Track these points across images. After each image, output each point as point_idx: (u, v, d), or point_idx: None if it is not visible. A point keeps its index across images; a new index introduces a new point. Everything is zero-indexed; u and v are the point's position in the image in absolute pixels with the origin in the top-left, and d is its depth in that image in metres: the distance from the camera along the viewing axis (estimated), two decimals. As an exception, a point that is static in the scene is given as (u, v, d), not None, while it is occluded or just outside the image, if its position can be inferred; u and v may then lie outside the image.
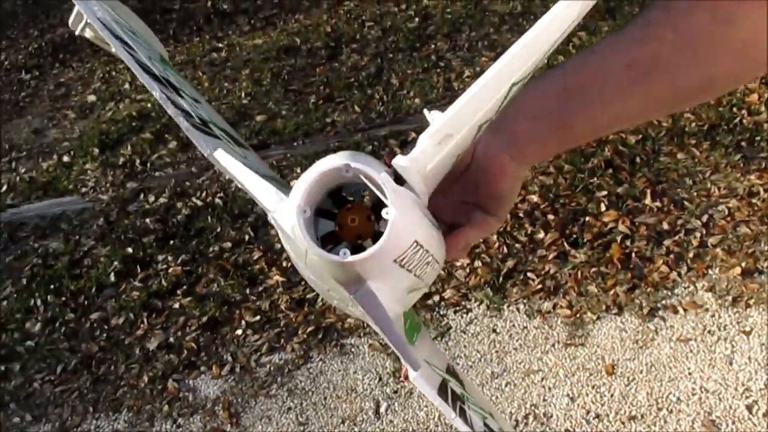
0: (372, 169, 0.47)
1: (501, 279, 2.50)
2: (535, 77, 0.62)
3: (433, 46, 4.01)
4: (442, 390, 0.53)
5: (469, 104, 0.50)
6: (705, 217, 2.58)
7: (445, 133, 0.51)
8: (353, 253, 0.47)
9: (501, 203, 0.60)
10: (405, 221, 0.47)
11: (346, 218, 0.49)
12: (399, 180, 0.49)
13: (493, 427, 0.57)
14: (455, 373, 0.62)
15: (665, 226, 2.57)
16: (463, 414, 0.53)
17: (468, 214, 0.60)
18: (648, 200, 2.67)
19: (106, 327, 2.65)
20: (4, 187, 3.56)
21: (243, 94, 3.90)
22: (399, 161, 0.50)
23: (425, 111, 0.51)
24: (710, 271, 2.41)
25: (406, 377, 0.55)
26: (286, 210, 0.47)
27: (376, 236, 0.48)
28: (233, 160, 0.49)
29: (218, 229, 2.96)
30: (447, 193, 0.56)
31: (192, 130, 0.50)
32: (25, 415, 2.39)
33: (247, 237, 2.89)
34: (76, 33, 0.59)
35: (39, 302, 2.79)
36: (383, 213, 0.47)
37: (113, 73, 4.41)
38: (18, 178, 3.61)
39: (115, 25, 0.57)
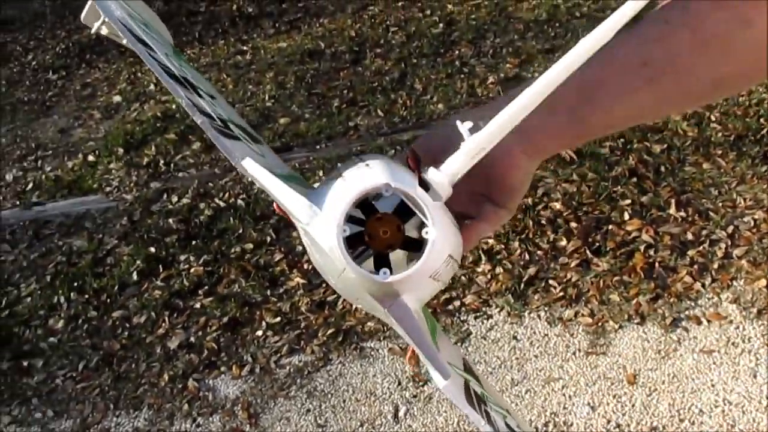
0: (411, 188, 0.47)
1: (522, 286, 2.49)
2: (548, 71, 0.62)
3: (457, 52, 4.01)
4: (467, 393, 0.53)
5: (511, 118, 0.50)
6: (730, 228, 2.55)
7: (482, 148, 0.51)
8: (378, 259, 0.48)
9: (512, 196, 0.60)
10: (442, 239, 0.48)
11: (378, 230, 0.49)
12: (422, 182, 0.50)
13: (513, 426, 0.57)
14: (471, 369, 0.62)
15: (690, 236, 2.55)
16: (488, 417, 0.53)
17: (478, 206, 0.60)
18: (672, 210, 2.65)
19: (127, 325, 2.67)
20: (30, 185, 3.60)
21: (267, 97, 3.92)
22: (434, 177, 0.50)
23: (458, 123, 0.50)
24: (735, 283, 2.39)
25: (411, 358, 0.54)
26: (324, 227, 0.48)
27: (405, 243, 0.49)
28: (263, 170, 0.48)
29: (240, 231, 2.97)
30: (457, 184, 0.55)
31: (220, 138, 0.49)
32: (47, 410, 2.42)
33: (268, 239, 2.90)
34: (92, 31, 0.58)
35: (62, 299, 2.82)
36: (423, 232, 0.48)
37: (138, 74, 4.46)
38: (44, 177, 3.65)
39: (131, 21, 0.56)
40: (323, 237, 0.47)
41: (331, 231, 0.47)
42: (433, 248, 0.47)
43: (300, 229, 0.51)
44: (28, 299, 2.86)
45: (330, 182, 0.50)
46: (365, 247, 0.49)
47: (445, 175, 0.50)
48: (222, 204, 3.14)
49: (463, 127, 0.50)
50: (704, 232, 2.56)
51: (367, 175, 0.48)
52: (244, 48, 4.58)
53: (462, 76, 3.77)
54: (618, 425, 2.06)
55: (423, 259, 0.47)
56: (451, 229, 0.50)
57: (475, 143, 0.50)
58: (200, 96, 0.55)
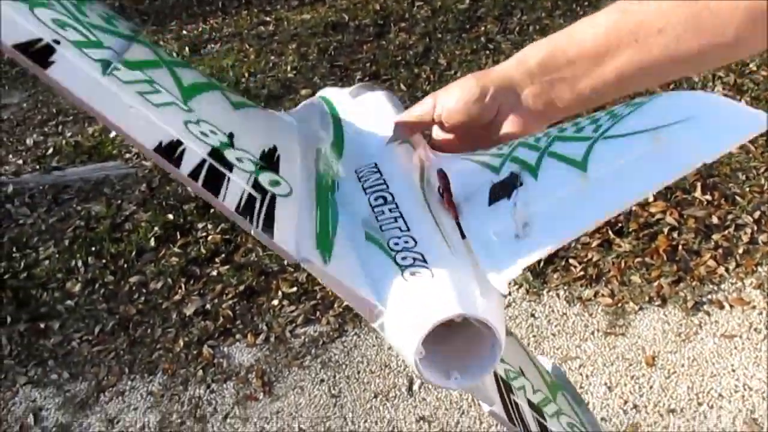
0: (480, 312, 0.49)
1: (542, 264, 2.46)
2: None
3: (483, 28, 3.95)
4: (503, 402, 0.58)
5: (561, 242, 0.54)
6: (757, 214, 2.50)
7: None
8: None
9: None
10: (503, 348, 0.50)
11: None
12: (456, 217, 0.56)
13: (535, 402, 0.63)
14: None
15: (715, 220, 2.50)
16: (518, 409, 0.59)
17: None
18: (698, 193, 2.60)
19: (144, 291, 2.67)
20: (51, 150, 3.61)
21: (289, 68, 3.89)
22: (493, 285, 0.52)
23: (511, 219, 0.54)
24: (759, 269, 2.34)
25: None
26: (394, 337, 0.50)
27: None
28: (323, 268, 0.49)
29: (259, 201, 2.95)
30: (480, 143, 0.64)
31: (274, 243, 0.48)
32: (62, 372, 2.43)
33: (287, 209, 2.88)
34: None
35: (80, 263, 2.82)
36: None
37: (161, 42, 4.44)
38: (64, 142, 3.66)
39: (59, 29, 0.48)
40: (395, 344, 0.50)
41: (407, 355, 0.49)
42: (498, 358, 0.50)
43: (375, 327, 0.54)
44: (46, 262, 2.87)
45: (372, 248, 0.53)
46: None
47: (501, 286, 0.51)
48: (241, 173, 3.13)
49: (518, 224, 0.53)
50: (730, 217, 2.51)
51: (437, 301, 0.49)
52: (267, 19, 4.55)
53: (487, 52, 3.72)
54: (635, 406, 2.04)
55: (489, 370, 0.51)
56: (502, 316, 0.51)
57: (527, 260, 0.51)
58: (203, 138, 0.50)
